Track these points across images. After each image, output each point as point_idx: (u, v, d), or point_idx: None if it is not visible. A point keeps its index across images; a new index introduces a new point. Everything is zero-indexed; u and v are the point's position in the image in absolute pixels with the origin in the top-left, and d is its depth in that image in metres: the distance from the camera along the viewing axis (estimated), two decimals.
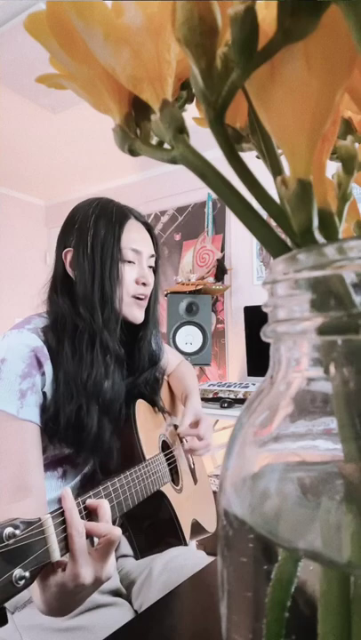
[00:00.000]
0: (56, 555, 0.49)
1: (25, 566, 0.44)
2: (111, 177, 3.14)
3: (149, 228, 0.87)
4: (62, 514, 0.52)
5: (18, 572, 0.43)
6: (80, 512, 0.54)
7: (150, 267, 0.86)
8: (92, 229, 0.79)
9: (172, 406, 1.06)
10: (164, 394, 0.99)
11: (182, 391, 1.05)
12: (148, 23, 0.17)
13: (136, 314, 0.84)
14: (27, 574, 0.44)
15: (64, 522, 0.52)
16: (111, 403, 0.78)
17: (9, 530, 0.44)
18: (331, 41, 0.15)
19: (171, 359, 1.09)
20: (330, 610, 0.15)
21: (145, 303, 0.85)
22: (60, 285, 0.82)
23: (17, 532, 0.45)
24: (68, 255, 0.81)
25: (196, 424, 0.95)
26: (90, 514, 0.56)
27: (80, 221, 0.81)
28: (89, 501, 0.57)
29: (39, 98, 2.16)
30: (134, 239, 0.82)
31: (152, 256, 0.86)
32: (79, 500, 0.56)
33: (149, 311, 0.88)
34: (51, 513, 0.51)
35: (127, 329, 0.86)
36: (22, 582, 0.44)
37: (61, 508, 0.53)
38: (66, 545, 0.51)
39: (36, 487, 0.69)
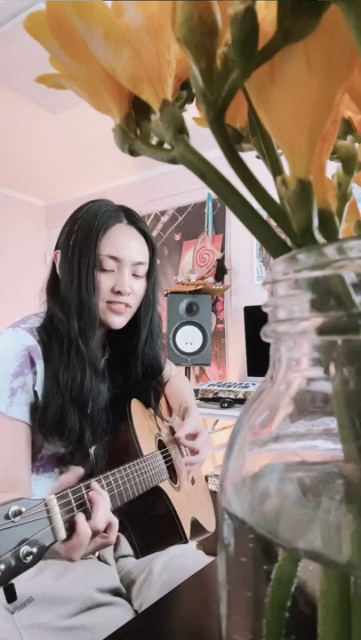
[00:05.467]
0: (61, 534, 0.51)
1: (31, 543, 0.46)
2: (111, 177, 3.14)
3: (145, 235, 0.83)
4: (65, 495, 0.54)
5: (25, 548, 0.45)
6: (71, 502, 0.55)
7: (135, 275, 0.82)
8: (75, 233, 0.78)
9: (168, 413, 1.06)
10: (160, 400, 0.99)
11: (180, 403, 1.03)
12: (148, 23, 0.17)
13: (113, 320, 0.81)
14: (34, 550, 0.46)
15: (69, 503, 0.54)
16: (91, 408, 0.77)
17: (15, 507, 0.46)
18: (331, 41, 0.15)
19: (168, 368, 1.07)
20: (330, 610, 0.15)
21: (127, 310, 0.82)
22: (50, 286, 0.83)
23: (22, 509, 0.46)
24: (58, 256, 0.81)
25: (193, 436, 0.94)
26: (83, 504, 0.57)
27: (70, 223, 0.80)
28: (91, 493, 0.58)
29: (39, 98, 2.16)
30: (117, 246, 0.78)
31: (139, 263, 0.81)
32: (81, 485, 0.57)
33: (139, 318, 0.85)
34: (56, 494, 0.53)
35: (119, 336, 0.85)
36: (30, 558, 0.45)
37: (66, 489, 0.55)
38: (71, 525, 0.53)
39: (22, 483, 0.70)
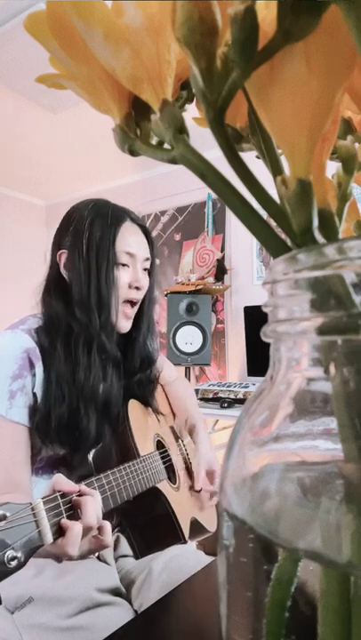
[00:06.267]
0: (48, 538, 0.50)
1: (16, 548, 0.45)
2: (111, 177, 3.14)
3: (146, 231, 0.86)
4: (54, 499, 0.53)
5: (9, 552, 0.44)
6: (59, 506, 0.54)
7: (145, 269, 0.86)
8: (88, 232, 0.78)
9: (169, 412, 1.06)
10: (159, 399, 0.99)
11: (186, 417, 1.04)
12: (148, 23, 0.17)
13: (122, 324, 0.83)
14: (19, 555, 0.45)
15: (56, 507, 0.53)
16: (109, 405, 0.78)
17: None
18: (331, 41, 0.15)
19: (166, 366, 1.07)
20: (330, 610, 0.15)
21: (133, 311, 0.85)
22: (54, 286, 0.82)
23: (7, 513, 0.46)
24: (63, 256, 0.81)
25: (210, 474, 0.95)
26: (72, 508, 0.56)
27: (75, 223, 0.81)
28: (75, 498, 0.56)
29: (39, 98, 2.16)
30: (129, 242, 0.81)
31: (147, 259, 0.85)
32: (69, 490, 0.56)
33: (142, 313, 0.88)
34: (43, 498, 0.52)
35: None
36: (14, 563, 0.45)
37: (54, 493, 0.54)
38: (58, 529, 0.52)
39: (23, 485, 0.70)
